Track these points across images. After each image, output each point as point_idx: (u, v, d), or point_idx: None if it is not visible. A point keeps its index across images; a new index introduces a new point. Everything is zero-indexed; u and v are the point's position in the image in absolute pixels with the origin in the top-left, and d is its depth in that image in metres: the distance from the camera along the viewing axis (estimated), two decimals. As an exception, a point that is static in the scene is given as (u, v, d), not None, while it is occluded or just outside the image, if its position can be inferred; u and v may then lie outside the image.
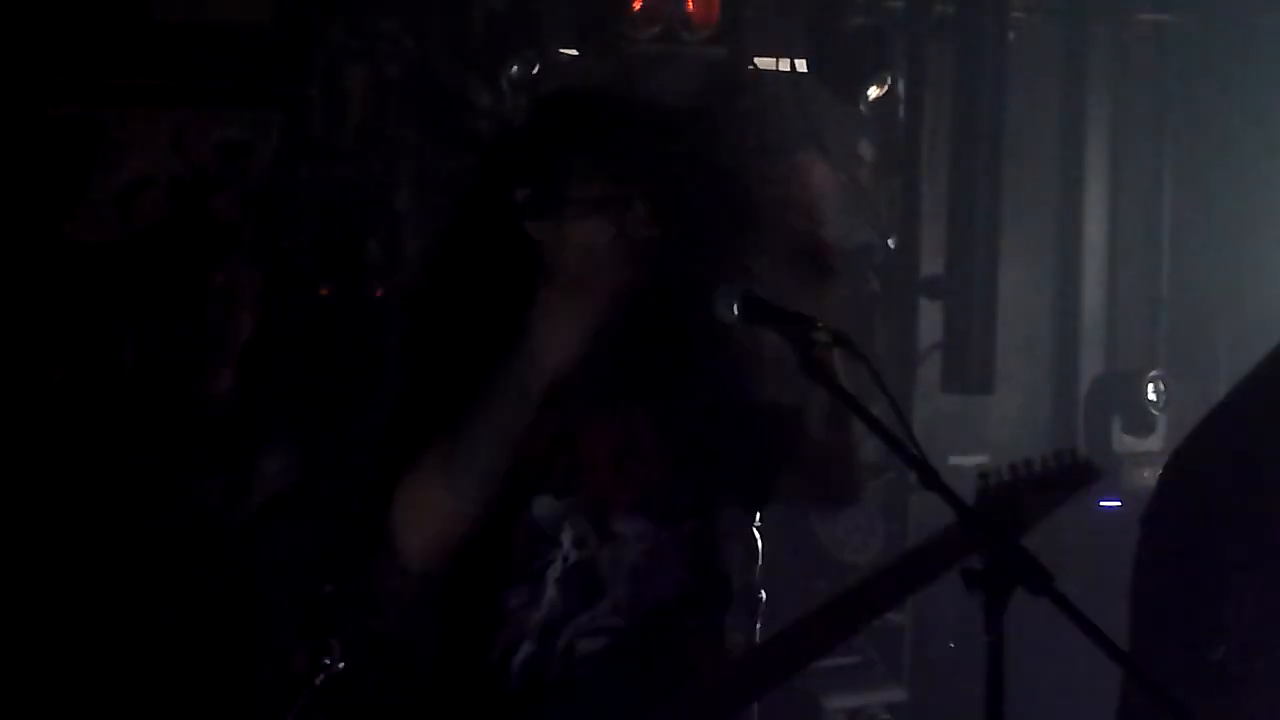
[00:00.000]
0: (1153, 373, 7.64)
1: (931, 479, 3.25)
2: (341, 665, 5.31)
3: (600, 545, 3.84)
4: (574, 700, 3.85)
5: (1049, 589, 3.06)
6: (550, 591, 3.81)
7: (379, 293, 7.21)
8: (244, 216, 7.19)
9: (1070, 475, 3.99)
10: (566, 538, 3.84)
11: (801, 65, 7.47)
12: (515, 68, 7.31)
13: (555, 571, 3.82)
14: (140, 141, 6.96)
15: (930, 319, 7.94)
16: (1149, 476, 6.17)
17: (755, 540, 4.19)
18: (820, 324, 3.48)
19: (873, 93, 7.60)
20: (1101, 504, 7.20)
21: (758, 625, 4.28)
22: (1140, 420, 7.48)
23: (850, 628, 4.05)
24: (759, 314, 3.56)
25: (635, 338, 3.76)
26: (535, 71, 7.32)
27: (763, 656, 4.07)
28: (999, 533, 3.28)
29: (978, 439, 7.90)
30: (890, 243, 7.77)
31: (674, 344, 3.79)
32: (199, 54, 7.03)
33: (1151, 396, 7.30)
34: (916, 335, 7.97)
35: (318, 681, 5.28)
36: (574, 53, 7.26)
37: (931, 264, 7.92)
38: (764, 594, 5.35)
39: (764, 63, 7.30)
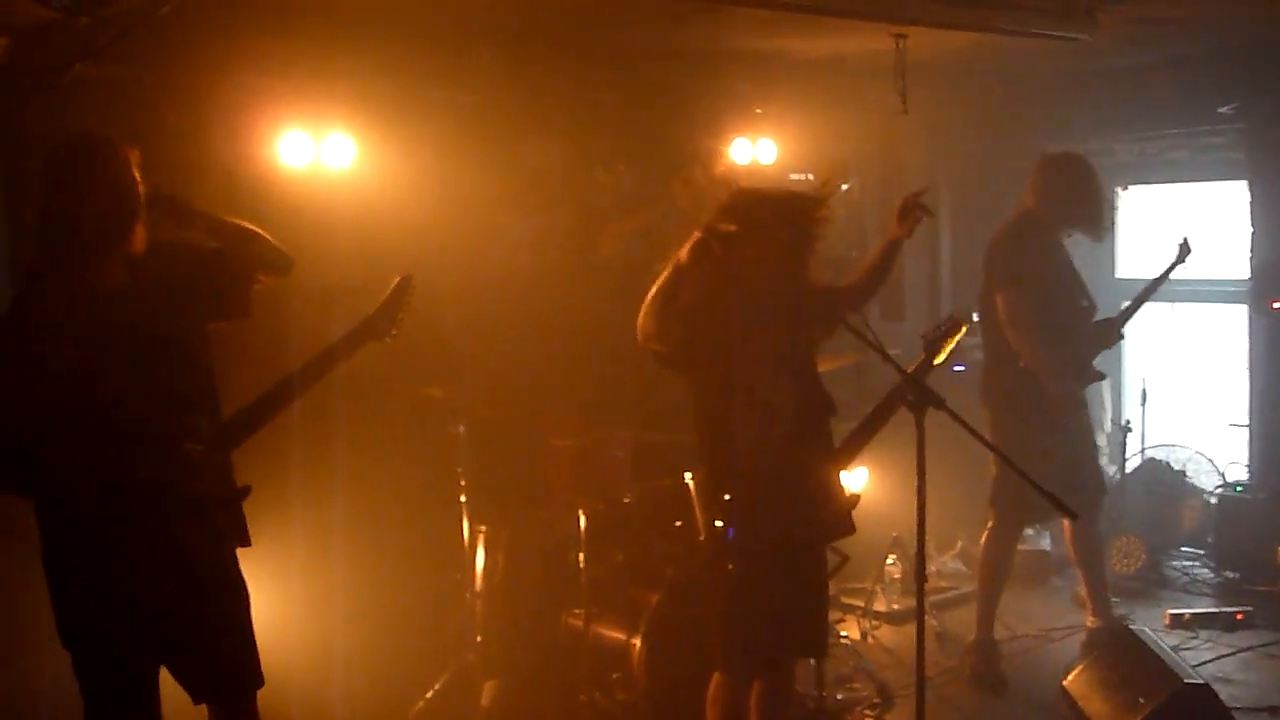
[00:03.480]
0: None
1: (887, 357, 4.06)
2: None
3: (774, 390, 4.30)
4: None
5: (944, 407, 3.88)
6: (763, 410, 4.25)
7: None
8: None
9: (953, 326, 4.35)
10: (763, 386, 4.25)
11: (811, 176, 7.46)
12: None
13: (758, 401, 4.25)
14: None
15: None
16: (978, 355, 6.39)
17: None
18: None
19: (844, 187, 7.87)
20: (954, 369, 7.25)
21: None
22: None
23: (870, 434, 4.43)
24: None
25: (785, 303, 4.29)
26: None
27: (846, 444, 4.48)
28: (919, 379, 3.99)
29: (899, 342, 7.24)
30: (854, 254, 7.68)
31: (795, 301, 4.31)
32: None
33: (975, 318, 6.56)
34: None
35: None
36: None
37: None
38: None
39: (796, 176, 7.34)
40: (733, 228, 4.07)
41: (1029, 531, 7.83)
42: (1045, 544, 7.99)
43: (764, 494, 4.22)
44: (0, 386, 3.51)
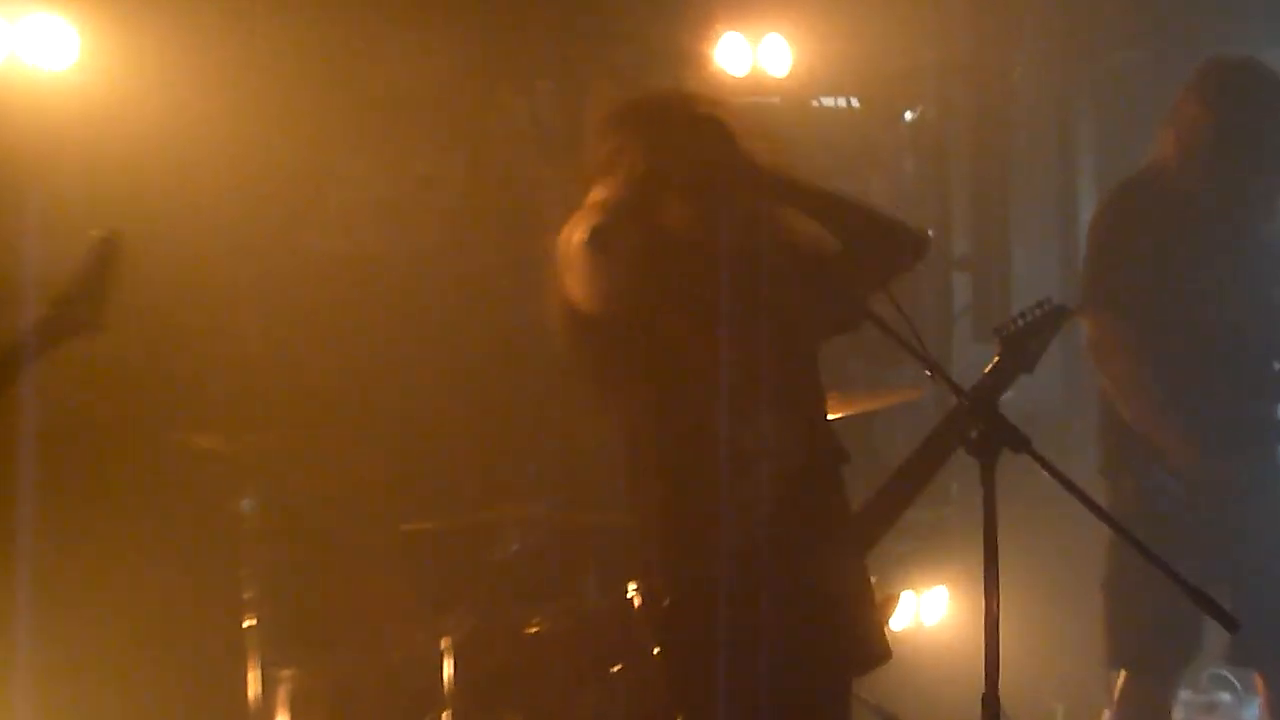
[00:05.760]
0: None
1: (934, 367, 3.87)
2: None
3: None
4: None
5: (1028, 448, 3.57)
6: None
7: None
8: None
9: (1052, 317, 4.53)
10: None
11: (855, 102, 7.99)
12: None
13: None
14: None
15: (962, 286, 8.49)
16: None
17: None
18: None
19: (908, 117, 8.23)
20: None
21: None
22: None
23: (912, 494, 4.60)
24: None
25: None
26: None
27: (866, 515, 4.57)
28: (987, 407, 3.74)
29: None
30: (930, 233, 7.81)
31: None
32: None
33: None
34: (953, 299, 8.42)
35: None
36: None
37: (961, 245, 8.47)
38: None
39: (827, 101, 7.83)
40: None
41: (1225, 696, 7.73)
42: (1252, 716, 7.59)
43: (733, 599, 4.10)
44: None
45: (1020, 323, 4.45)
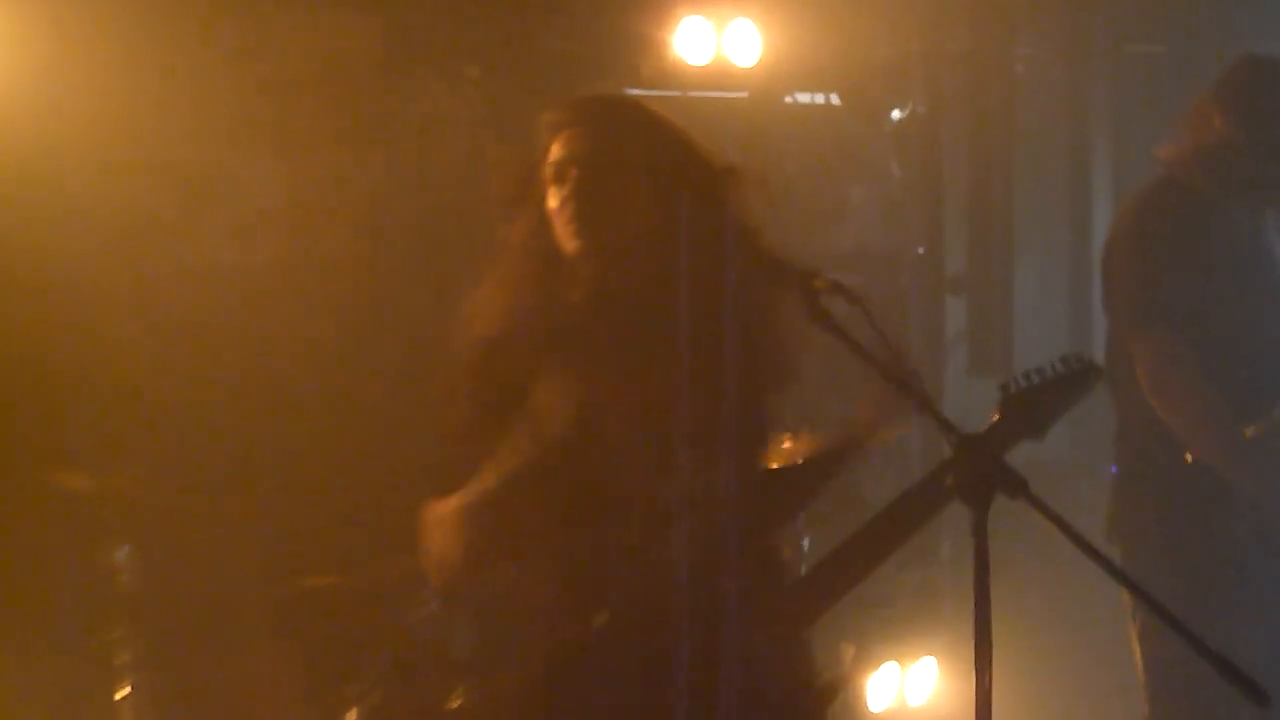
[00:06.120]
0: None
1: (922, 399, 3.84)
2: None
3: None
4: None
5: (1025, 492, 3.49)
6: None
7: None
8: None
9: (1080, 376, 4.28)
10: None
11: (835, 98, 7.92)
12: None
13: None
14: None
15: (956, 311, 8.37)
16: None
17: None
18: (819, 275, 3.89)
19: (895, 115, 8.10)
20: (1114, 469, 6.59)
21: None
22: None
23: (880, 556, 4.31)
24: (771, 271, 3.99)
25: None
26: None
27: (812, 582, 4.37)
28: (977, 447, 3.63)
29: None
30: (920, 249, 8.16)
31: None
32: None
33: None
34: (945, 325, 8.34)
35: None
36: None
37: (955, 263, 8.32)
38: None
39: (802, 97, 7.82)
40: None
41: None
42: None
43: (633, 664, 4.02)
44: None
45: (1033, 380, 4.19)
